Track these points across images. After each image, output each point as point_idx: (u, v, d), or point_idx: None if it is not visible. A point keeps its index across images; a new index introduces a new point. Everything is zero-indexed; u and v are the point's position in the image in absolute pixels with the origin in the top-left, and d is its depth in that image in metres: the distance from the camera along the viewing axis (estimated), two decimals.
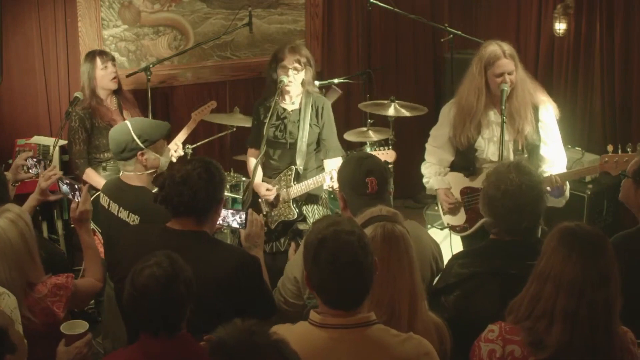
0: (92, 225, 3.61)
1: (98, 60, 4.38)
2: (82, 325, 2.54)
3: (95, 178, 4.27)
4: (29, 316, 2.65)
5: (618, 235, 2.84)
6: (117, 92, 4.52)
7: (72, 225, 3.32)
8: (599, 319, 2.02)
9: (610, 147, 3.59)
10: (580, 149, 5.10)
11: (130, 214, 3.18)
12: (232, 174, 5.20)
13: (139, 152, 3.23)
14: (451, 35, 5.40)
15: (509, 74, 3.76)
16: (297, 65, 3.99)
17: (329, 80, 5.41)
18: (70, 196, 3.26)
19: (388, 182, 2.96)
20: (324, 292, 2.09)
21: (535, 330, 2.06)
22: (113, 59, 4.47)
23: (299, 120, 4.09)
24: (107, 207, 3.29)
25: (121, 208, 3.22)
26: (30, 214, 3.16)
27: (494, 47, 3.78)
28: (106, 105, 4.43)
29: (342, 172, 2.99)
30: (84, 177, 4.31)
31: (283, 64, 3.99)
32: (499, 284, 2.32)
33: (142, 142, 3.23)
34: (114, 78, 4.42)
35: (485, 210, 2.70)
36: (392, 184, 5.22)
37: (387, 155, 4.06)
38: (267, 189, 4.12)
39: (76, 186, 3.20)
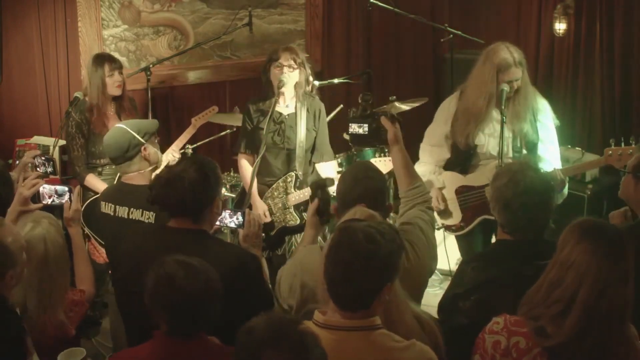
0: (87, 231, 3.60)
1: (107, 67, 4.34)
2: (80, 353, 2.53)
3: (97, 184, 4.24)
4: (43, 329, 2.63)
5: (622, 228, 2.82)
6: (118, 99, 4.45)
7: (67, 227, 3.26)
8: (615, 317, 2.01)
9: (612, 141, 3.60)
10: (580, 149, 5.10)
11: (144, 212, 3.17)
12: (232, 174, 5.20)
13: (142, 147, 3.28)
14: (451, 35, 5.39)
15: (516, 80, 3.78)
16: (292, 62, 3.96)
17: (329, 80, 5.40)
18: (58, 200, 3.14)
19: (382, 203, 2.80)
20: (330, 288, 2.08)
21: (545, 316, 2.03)
22: (121, 67, 4.44)
23: (296, 124, 4.05)
24: (113, 213, 3.25)
25: (132, 209, 3.20)
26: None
27: (506, 55, 3.74)
28: (105, 112, 4.38)
29: (339, 185, 2.94)
30: (85, 183, 4.27)
31: (279, 62, 3.96)
32: (516, 286, 2.29)
33: (142, 137, 3.29)
34: (119, 85, 4.39)
35: (499, 210, 2.62)
36: (392, 186, 5.22)
37: None
38: (264, 214, 4.04)
39: (67, 188, 3.15)
